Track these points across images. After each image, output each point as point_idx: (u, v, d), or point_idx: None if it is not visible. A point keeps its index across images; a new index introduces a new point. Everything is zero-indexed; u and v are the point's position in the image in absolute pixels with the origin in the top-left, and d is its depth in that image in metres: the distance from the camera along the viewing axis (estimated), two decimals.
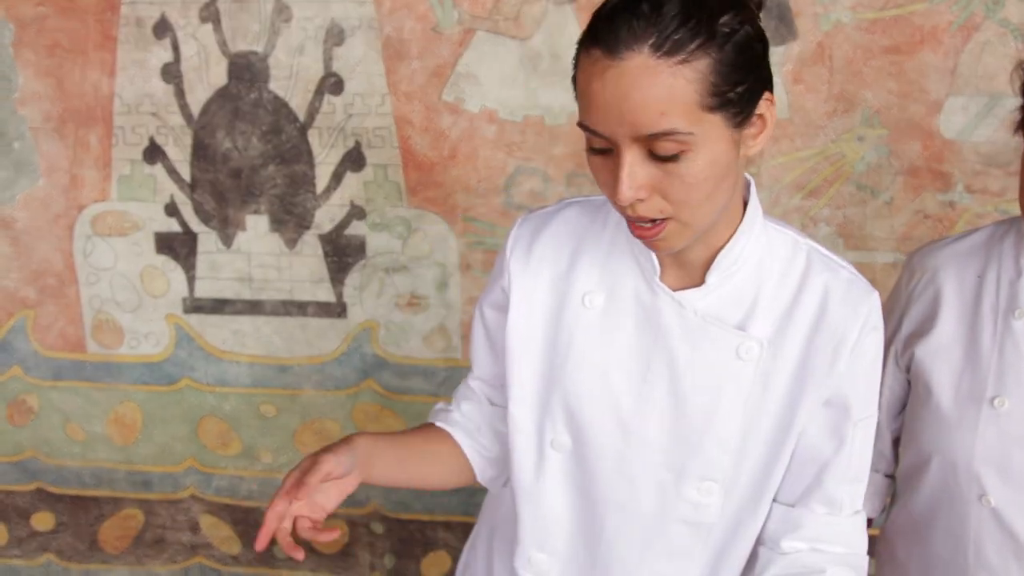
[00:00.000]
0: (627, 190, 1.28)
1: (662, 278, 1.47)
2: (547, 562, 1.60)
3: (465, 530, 3.09)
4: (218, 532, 3.33)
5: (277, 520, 1.39)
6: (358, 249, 2.91)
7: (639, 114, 1.24)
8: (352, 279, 2.94)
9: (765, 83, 1.32)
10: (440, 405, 1.73)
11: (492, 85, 2.67)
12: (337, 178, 2.85)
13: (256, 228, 2.94)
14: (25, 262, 3.07)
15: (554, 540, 1.59)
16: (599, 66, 1.25)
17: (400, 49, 2.70)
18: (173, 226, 2.98)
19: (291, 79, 2.78)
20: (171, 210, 2.96)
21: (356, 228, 2.88)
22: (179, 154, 2.91)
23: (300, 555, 1.38)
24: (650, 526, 1.53)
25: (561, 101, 2.64)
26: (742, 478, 1.50)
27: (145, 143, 2.92)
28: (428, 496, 3.12)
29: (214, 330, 3.08)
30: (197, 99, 2.84)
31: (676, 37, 1.22)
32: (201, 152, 2.89)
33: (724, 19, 1.25)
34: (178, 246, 3.00)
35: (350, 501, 3.07)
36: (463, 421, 1.68)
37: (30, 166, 3.00)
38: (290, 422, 3.15)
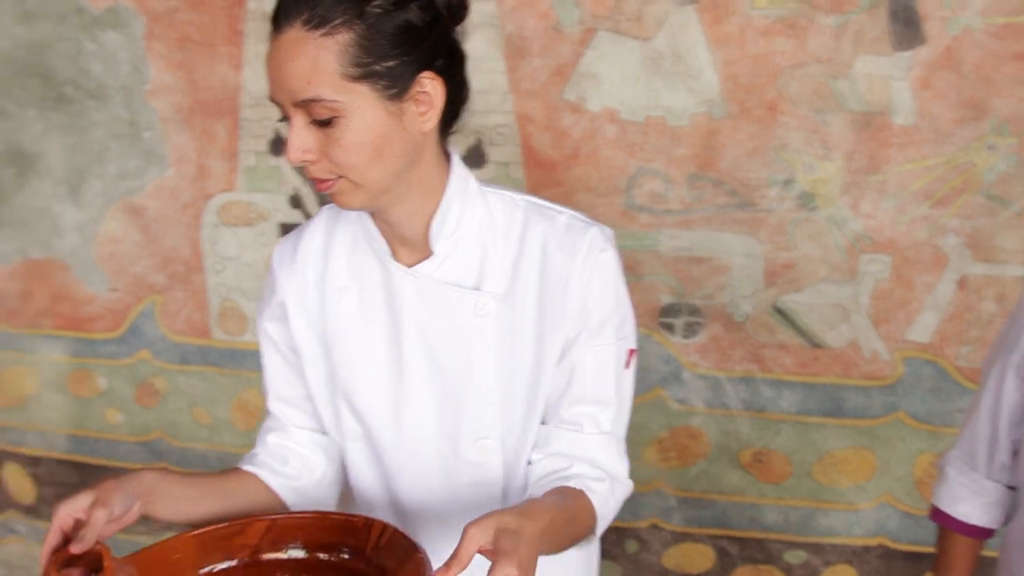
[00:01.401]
0: (294, 151, 1.43)
1: (397, 258, 1.59)
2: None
3: None
4: None
5: None
6: None
7: (291, 81, 1.40)
8: None
9: (426, 63, 1.44)
10: (246, 456, 1.73)
11: (613, 85, 2.66)
12: None
13: None
14: (155, 249, 3.15)
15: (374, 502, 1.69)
16: (271, 39, 1.42)
17: (521, 47, 2.69)
18: (297, 217, 3.02)
19: None
20: (295, 202, 3.01)
21: None
22: None
23: None
24: (444, 496, 1.63)
25: (683, 102, 2.61)
26: (514, 429, 1.59)
27: (270, 135, 2.97)
28: None
29: None
30: None
31: (324, 13, 1.38)
32: None
33: (376, 2, 1.40)
34: None
35: None
36: (268, 459, 1.70)
37: (159, 156, 3.09)
38: None
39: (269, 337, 1.71)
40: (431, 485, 1.64)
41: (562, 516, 1.42)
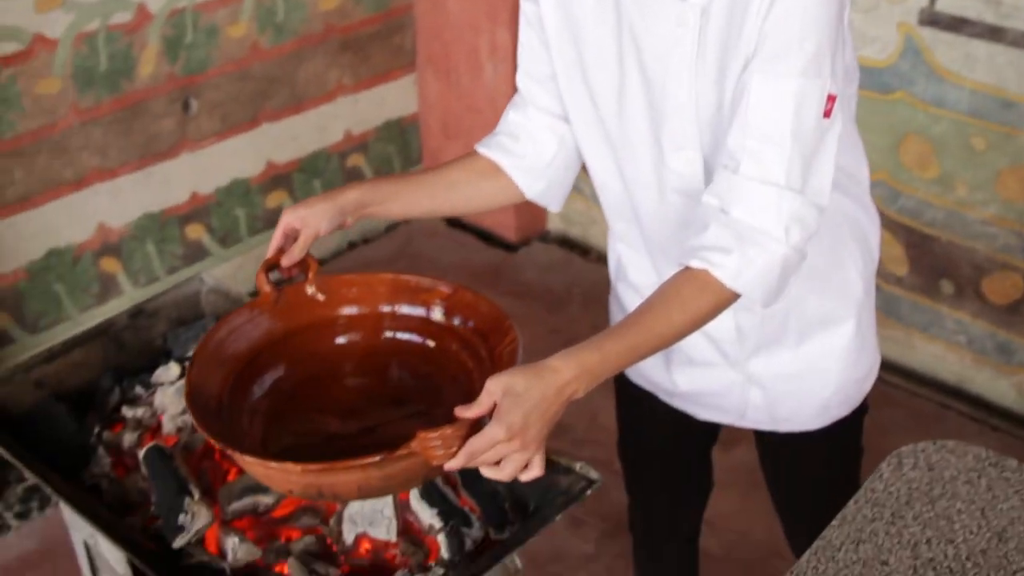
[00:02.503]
0: None
1: None
2: (626, 229, 1.78)
3: None
4: (889, 250, 3.35)
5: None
6: None
7: None
8: None
9: None
10: (485, 138, 1.84)
11: None
12: None
13: None
14: None
15: (619, 212, 1.76)
16: None
17: None
18: None
19: None
20: None
21: None
22: None
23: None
24: (656, 199, 1.66)
25: None
26: (713, 145, 1.56)
27: None
28: None
29: (945, 48, 3.02)
30: None
31: None
32: None
33: None
34: None
35: None
36: (503, 139, 1.79)
37: None
38: (997, 161, 3.09)
39: (524, 14, 1.72)
40: (649, 182, 1.66)
41: (626, 335, 1.46)
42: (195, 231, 3.77)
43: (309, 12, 3.83)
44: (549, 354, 1.44)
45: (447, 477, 1.68)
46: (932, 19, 3.00)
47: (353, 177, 4.20)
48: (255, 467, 1.47)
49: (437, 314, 1.75)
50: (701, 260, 1.47)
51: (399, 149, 4.33)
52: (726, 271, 1.46)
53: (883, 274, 3.40)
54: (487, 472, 1.40)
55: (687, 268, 1.49)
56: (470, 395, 1.55)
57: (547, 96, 1.75)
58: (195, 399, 1.53)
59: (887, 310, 3.46)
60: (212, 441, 1.49)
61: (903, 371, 3.51)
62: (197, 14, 3.51)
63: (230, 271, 3.86)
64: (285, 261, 1.69)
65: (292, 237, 1.69)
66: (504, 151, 1.79)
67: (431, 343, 1.75)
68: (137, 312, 2.04)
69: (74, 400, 1.91)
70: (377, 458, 1.40)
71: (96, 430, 1.84)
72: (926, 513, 1.55)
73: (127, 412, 1.89)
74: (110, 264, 3.54)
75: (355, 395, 1.74)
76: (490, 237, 4.31)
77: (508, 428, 1.36)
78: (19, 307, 3.35)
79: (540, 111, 1.77)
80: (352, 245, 4.28)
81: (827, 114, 1.46)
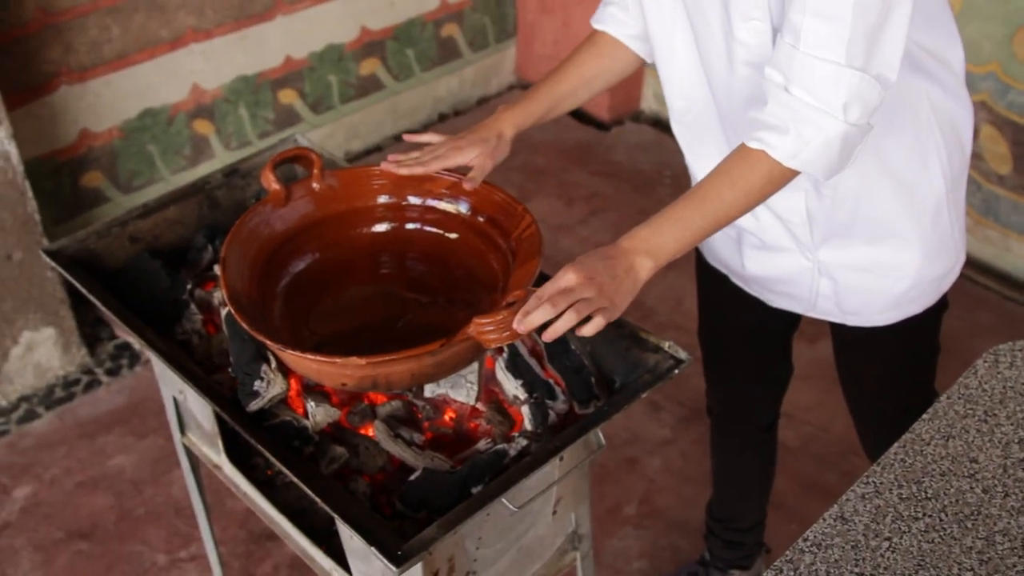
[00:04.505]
0: None
1: None
2: (686, 106, 1.77)
3: None
4: (994, 146, 3.30)
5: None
6: None
7: None
8: None
9: None
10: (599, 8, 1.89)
11: None
12: None
13: None
14: None
15: (684, 81, 1.74)
16: None
17: None
18: None
19: None
20: None
21: None
22: None
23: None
24: (727, 71, 1.64)
25: None
26: (783, 16, 1.50)
27: None
28: None
29: None
30: None
31: None
32: None
33: None
34: None
35: None
36: (616, 12, 1.85)
37: None
38: None
39: None
40: (720, 53, 1.64)
41: (676, 210, 1.51)
42: (287, 96, 3.76)
43: None
44: None
45: (534, 349, 1.68)
46: None
47: (448, 49, 4.16)
48: (308, 363, 1.53)
49: (457, 206, 1.80)
50: (758, 141, 1.48)
51: (494, 20, 4.27)
52: (782, 151, 1.47)
53: (984, 172, 3.30)
54: (566, 319, 1.43)
55: (743, 146, 1.51)
56: (491, 284, 1.68)
57: None
58: (235, 299, 1.58)
59: (985, 209, 3.37)
60: (261, 339, 1.53)
61: (997, 273, 3.44)
62: None
63: (320, 138, 3.87)
64: (468, 185, 1.78)
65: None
66: (618, 23, 1.85)
67: (452, 235, 1.81)
68: (232, 171, 2.04)
69: (168, 256, 1.93)
70: (436, 346, 1.46)
71: (188, 286, 1.86)
72: (1020, 412, 1.52)
73: (219, 268, 1.90)
74: (203, 126, 3.56)
75: (375, 287, 1.81)
76: (583, 115, 4.25)
77: (577, 268, 1.44)
78: (113, 166, 3.39)
79: None
80: (443, 117, 4.26)
81: None
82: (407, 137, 1.88)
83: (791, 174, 1.49)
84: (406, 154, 1.82)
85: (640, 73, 4.20)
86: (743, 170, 1.50)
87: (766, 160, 1.48)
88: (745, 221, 1.78)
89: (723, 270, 1.99)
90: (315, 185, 1.79)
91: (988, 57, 3.13)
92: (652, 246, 1.48)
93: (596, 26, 1.88)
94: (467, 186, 1.77)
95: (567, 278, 1.43)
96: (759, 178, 1.49)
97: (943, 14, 1.65)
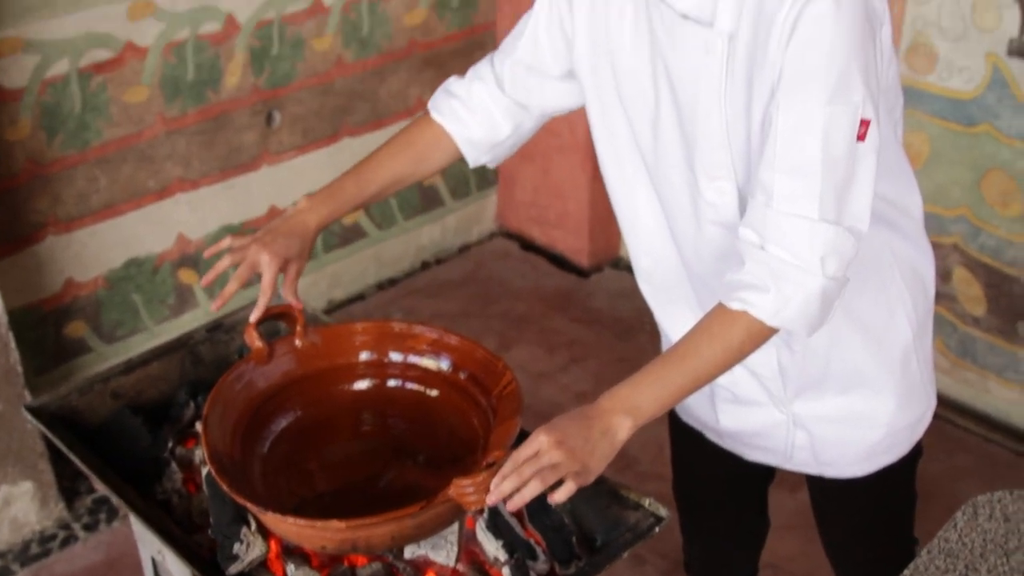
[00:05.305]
0: None
1: None
2: (652, 265, 1.79)
3: None
4: (968, 289, 3.29)
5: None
6: None
7: None
8: None
9: None
10: (452, 80, 1.86)
11: None
12: None
13: None
14: None
15: (652, 245, 1.75)
16: None
17: None
18: None
19: None
20: None
21: None
22: None
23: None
24: (694, 230, 1.65)
25: None
26: (747, 173, 1.54)
27: None
28: None
29: None
30: None
31: None
32: None
33: None
34: None
35: None
36: (460, 109, 1.82)
37: None
38: None
39: (553, 11, 1.74)
40: (687, 214, 1.66)
41: (657, 369, 1.51)
42: None
43: (394, 27, 3.87)
44: (617, 382, 1.48)
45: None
46: (1021, 50, 2.94)
47: (430, 198, 4.23)
48: (288, 526, 1.52)
49: (438, 363, 1.81)
50: (739, 301, 1.48)
51: (475, 169, 4.34)
52: (763, 310, 1.47)
53: (959, 313, 3.34)
54: (531, 488, 1.41)
55: (722, 305, 1.51)
56: (472, 443, 1.67)
57: (527, 90, 1.80)
58: (216, 459, 1.58)
59: (962, 351, 3.40)
60: (241, 502, 1.53)
61: (977, 415, 3.44)
62: (284, 26, 3.56)
63: (303, 286, 3.85)
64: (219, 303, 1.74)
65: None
66: (458, 121, 1.83)
67: (434, 392, 1.81)
68: (215, 326, 2.06)
69: (149, 412, 1.94)
70: (416, 509, 1.46)
71: (170, 444, 1.86)
72: (1001, 566, 1.52)
73: (200, 427, 1.91)
74: (187, 275, 3.59)
75: (356, 445, 1.82)
76: (562, 261, 4.30)
77: (549, 430, 1.42)
78: (97, 316, 3.40)
79: (508, 96, 1.82)
80: (425, 265, 4.30)
81: (861, 138, 1.45)
82: (207, 253, 1.86)
83: (771, 332, 1.50)
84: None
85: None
86: (723, 328, 1.50)
87: (747, 319, 1.48)
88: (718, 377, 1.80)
89: (697, 427, 2.00)
90: (298, 342, 1.81)
91: (958, 201, 3.19)
92: (631, 405, 1.47)
93: (434, 116, 1.85)
94: (292, 301, 1.80)
95: (538, 441, 1.42)
96: (739, 336, 1.49)
97: (900, 162, 1.69)
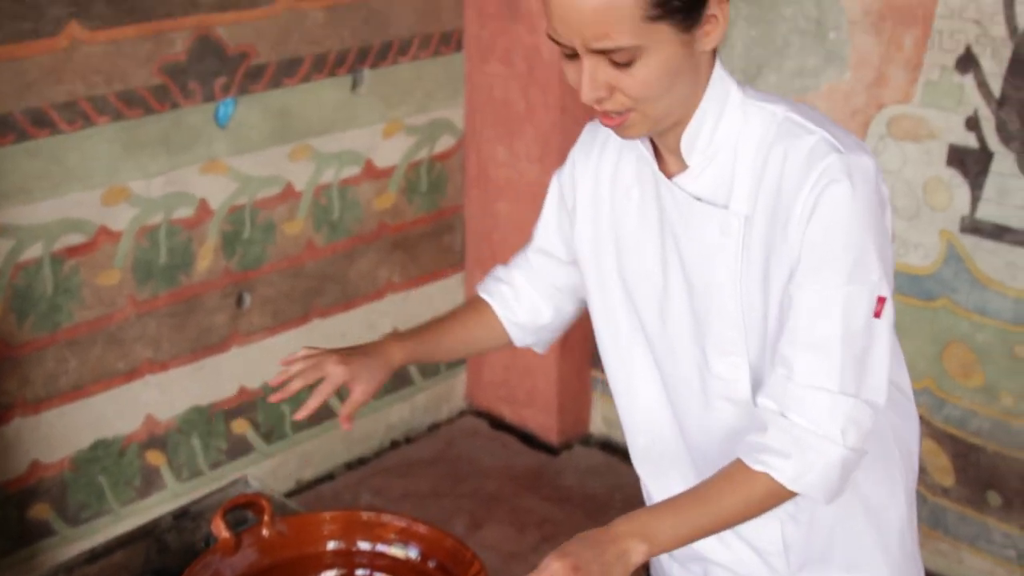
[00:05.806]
0: (588, 92, 1.48)
1: (661, 167, 1.62)
2: (649, 444, 1.78)
3: None
4: (936, 459, 3.29)
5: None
6: None
7: (587, 29, 1.41)
8: None
9: None
10: (497, 269, 1.94)
11: None
12: None
13: None
14: None
15: (652, 423, 1.76)
16: None
17: None
18: (970, 141, 2.96)
19: None
20: (972, 124, 2.94)
21: None
22: (994, 67, 2.88)
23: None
24: (702, 406, 1.66)
25: None
26: (760, 351, 1.58)
27: (960, 51, 2.92)
28: None
29: (987, 256, 3.03)
30: None
31: None
32: (1018, 68, 2.84)
33: None
34: (970, 162, 2.98)
35: None
36: (507, 292, 1.90)
37: (840, 58, 3.12)
38: None
39: (556, 193, 1.82)
40: (693, 390, 1.67)
41: (678, 501, 1.53)
42: (240, 426, 3.79)
43: (364, 211, 3.94)
44: None
45: None
46: (974, 227, 3.04)
47: (399, 375, 4.22)
48: None
49: (406, 552, 1.80)
50: (762, 464, 1.50)
51: None
52: (785, 475, 1.49)
53: (929, 485, 3.36)
54: None
55: (743, 463, 1.52)
56: None
57: (552, 274, 1.87)
58: None
59: (933, 522, 3.40)
60: None
61: None
62: (256, 210, 3.62)
63: (272, 467, 3.87)
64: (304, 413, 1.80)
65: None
66: (504, 303, 1.90)
67: None
68: (181, 513, 2.05)
69: None
70: None
71: None
72: None
73: None
74: (155, 457, 3.56)
75: None
76: (532, 439, 4.30)
77: (562, 556, 1.42)
78: (62, 498, 3.36)
79: (547, 284, 1.88)
80: (395, 444, 4.29)
81: (877, 314, 1.50)
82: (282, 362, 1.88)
83: (790, 495, 1.52)
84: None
85: (587, 397, 4.28)
86: (745, 482, 1.52)
87: (768, 480, 1.50)
88: (716, 555, 1.77)
89: None
90: (265, 532, 1.79)
91: (922, 373, 3.24)
92: (649, 531, 1.47)
93: (483, 296, 1.92)
94: (346, 426, 1.83)
95: (551, 569, 1.41)
96: (760, 493, 1.51)
97: (895, 341, 1.72)
